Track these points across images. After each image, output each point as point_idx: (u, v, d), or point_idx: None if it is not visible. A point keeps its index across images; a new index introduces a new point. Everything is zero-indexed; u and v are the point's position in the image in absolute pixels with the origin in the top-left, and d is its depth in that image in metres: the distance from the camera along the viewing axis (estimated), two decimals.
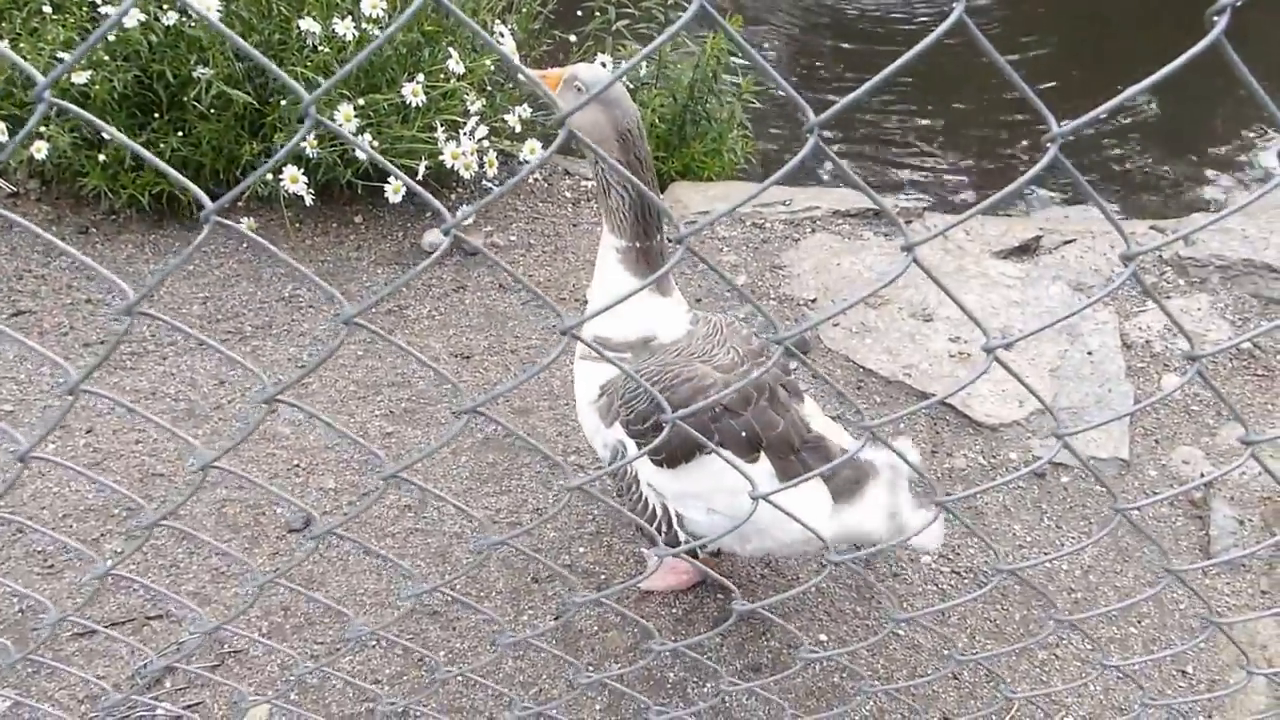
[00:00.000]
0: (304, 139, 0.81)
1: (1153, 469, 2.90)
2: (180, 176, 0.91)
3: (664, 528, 2.13)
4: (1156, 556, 2.63)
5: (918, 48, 0.70)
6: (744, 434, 1.98)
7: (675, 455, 2.01)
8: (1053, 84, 5.77)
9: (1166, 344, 3.31)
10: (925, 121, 5.69)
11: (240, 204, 3.64)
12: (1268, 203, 4.72)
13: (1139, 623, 2.52)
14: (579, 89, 2.02)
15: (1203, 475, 2.86)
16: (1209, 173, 5.27)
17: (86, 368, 1.00)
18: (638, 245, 2.09)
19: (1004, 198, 0.79)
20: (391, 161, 3.41)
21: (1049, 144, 0.70)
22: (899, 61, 0.70)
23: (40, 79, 0.73)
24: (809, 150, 0.76)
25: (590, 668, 2.33)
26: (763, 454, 2.02)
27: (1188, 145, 5.52)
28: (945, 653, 2.42)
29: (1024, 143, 5.46)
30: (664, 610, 2.47)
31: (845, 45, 6.22)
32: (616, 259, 2.10)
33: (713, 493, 2.05)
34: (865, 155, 5.42)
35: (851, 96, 0.71)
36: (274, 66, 0.75)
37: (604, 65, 3.88)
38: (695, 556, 2.29)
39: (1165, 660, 2.44)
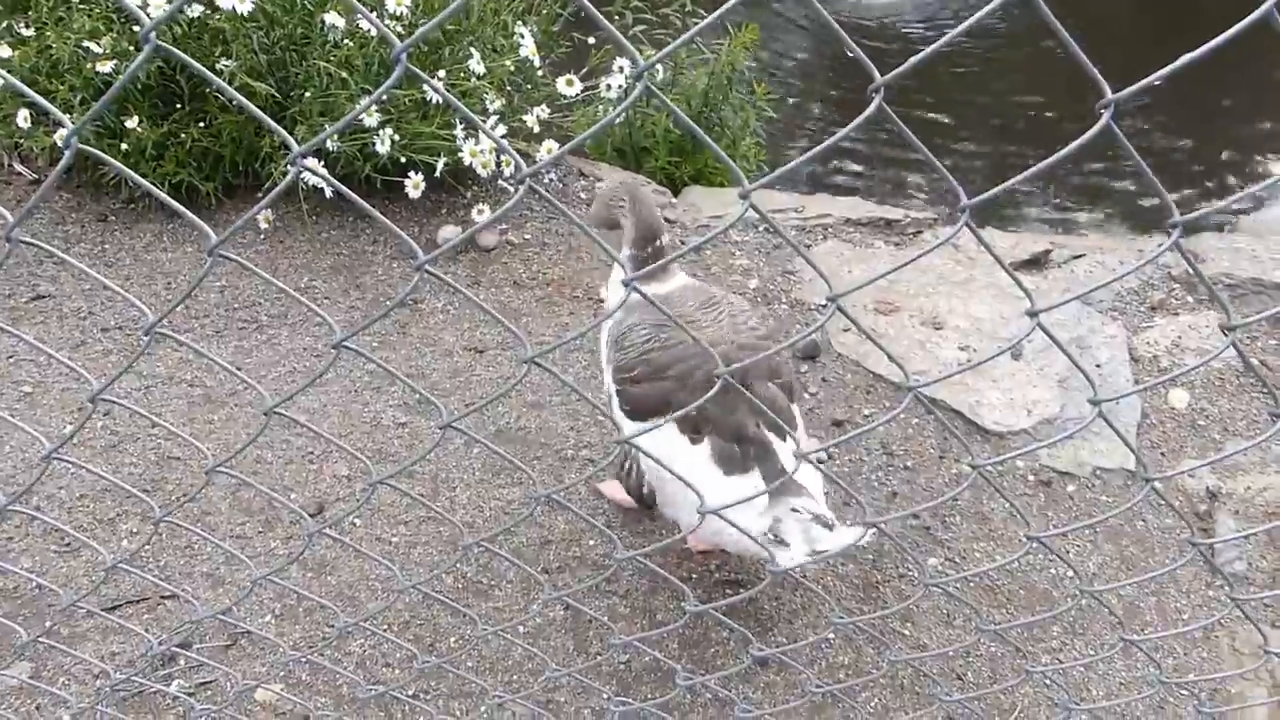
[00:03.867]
0: (384, 92, 0.84)
1: (1159, 481, 2.92)
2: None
3: (635, 478, 2.30)
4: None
5: (984, 10, 0.73)
6: (695, 414, 2.03)
7: (640, 411, 2.16)
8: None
9: (1174, 359, 3.34)
10: (941, 133, 5.73)
11: (259, 196, 3.67)
12: (1277, 223, 4.76)
13: (1143, 630, 2.54)
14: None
15: (1208, 488, 2.89)
16: (1211, 185, 5.31)
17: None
18: (646, 252, 2.34)
19: (1051, 164, 0.82)
20: (410, 156, 3.45)
21: (1102, 110, 0.73)
22: (975, 17, 0.73)
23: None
24: (873, 110, 0.79)
25: (598, 655, 2.35)
26: (706, 437, 2.11)
27: (1188, 163, 5.56)
28: (950, 654, 2.44)
29: (1041, 151, 5.50)
30: (672, 604, 2.50)
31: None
32: (633, 268, 2.28)
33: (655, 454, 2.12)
34: (882, 161, 5.46)
35: (918, 58, 0.74)
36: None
37: (621, 69, 3.92)
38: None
39: (1169, 669, 2.46)
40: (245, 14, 3.34)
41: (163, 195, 0.95)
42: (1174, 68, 0.71)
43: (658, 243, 2.35)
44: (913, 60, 0.73)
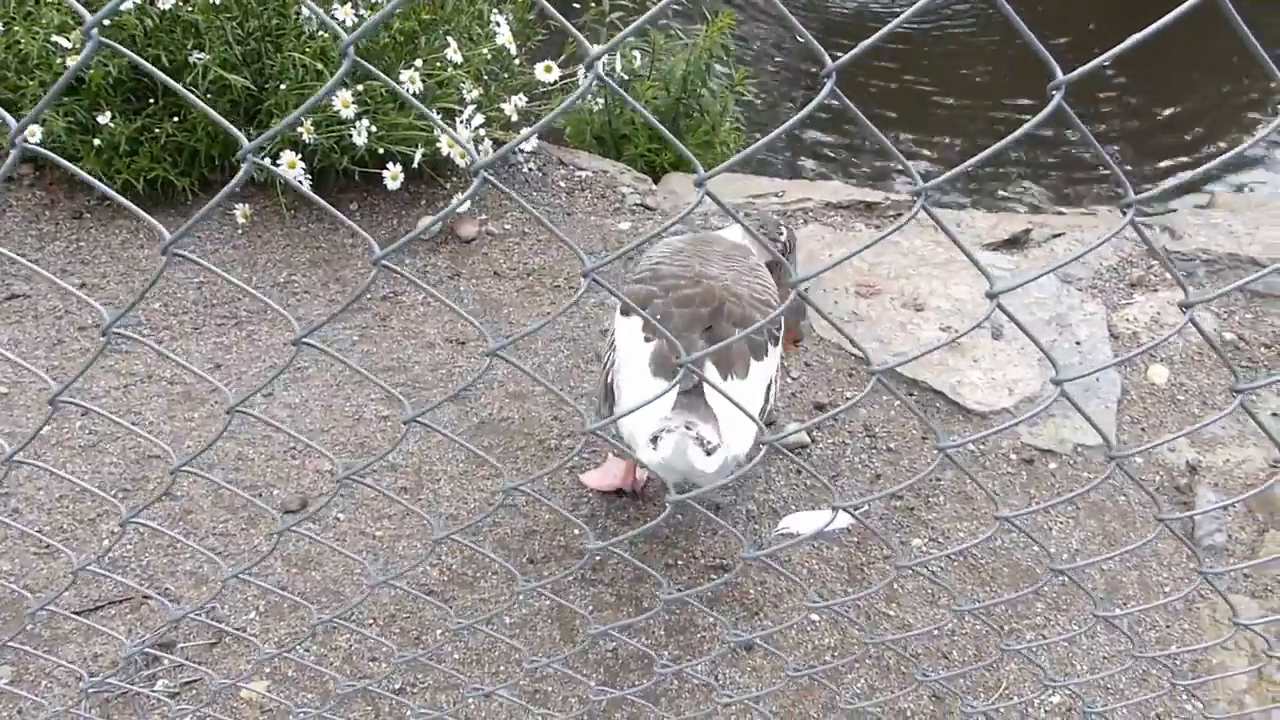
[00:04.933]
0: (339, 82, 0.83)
1: (1138, 457, 2.95)
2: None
3: (605, 397, 2.41)
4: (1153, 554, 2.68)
5: None
6: (657, 316, 2.27)
7: (626, 309, 2.34)
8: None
9: (1153, 335, 3.36)
10: (915, 117, 5.74)
11: (236, 190, 3.65)
12: (1253, 199, 4.79)
13: (1125, 604, 2.56)
14: None
15: (1187, 462, 2.91)
16: (1183, 158, 5.33)
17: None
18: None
19: (1006, 145, 0.81)
20: (387, 148, 3.43)
21: (1053, 92, 0.73)
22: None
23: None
24: (825, 94, 0.79)
25: (585, 646, 2.36)
26: (657, 340, 2.27)
27: (1154, 135, 5.58)
28: (935, 633, 2.46)
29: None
30: (659, 592, 2.50)
31: (837, 42, 6.26)
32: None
33: (620, 341, 2.38)
34: (855, 148, 5.47)
35: (867, 43, 0.74)
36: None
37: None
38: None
39: (1152, 641, 2.49)
40: (218, 5, 3.31)
41: (111, 191, 0.94)
42: (1123, 48, 0.71)
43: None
44: (863, 45, 0.73)
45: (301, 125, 3.34)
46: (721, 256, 2.44)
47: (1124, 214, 0.81)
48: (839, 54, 0.77)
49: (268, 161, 3.36)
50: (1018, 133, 0.77)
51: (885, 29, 0.75)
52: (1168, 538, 2.76)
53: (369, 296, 3.35)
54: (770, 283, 2.49)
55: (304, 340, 0.98)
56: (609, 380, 2.47)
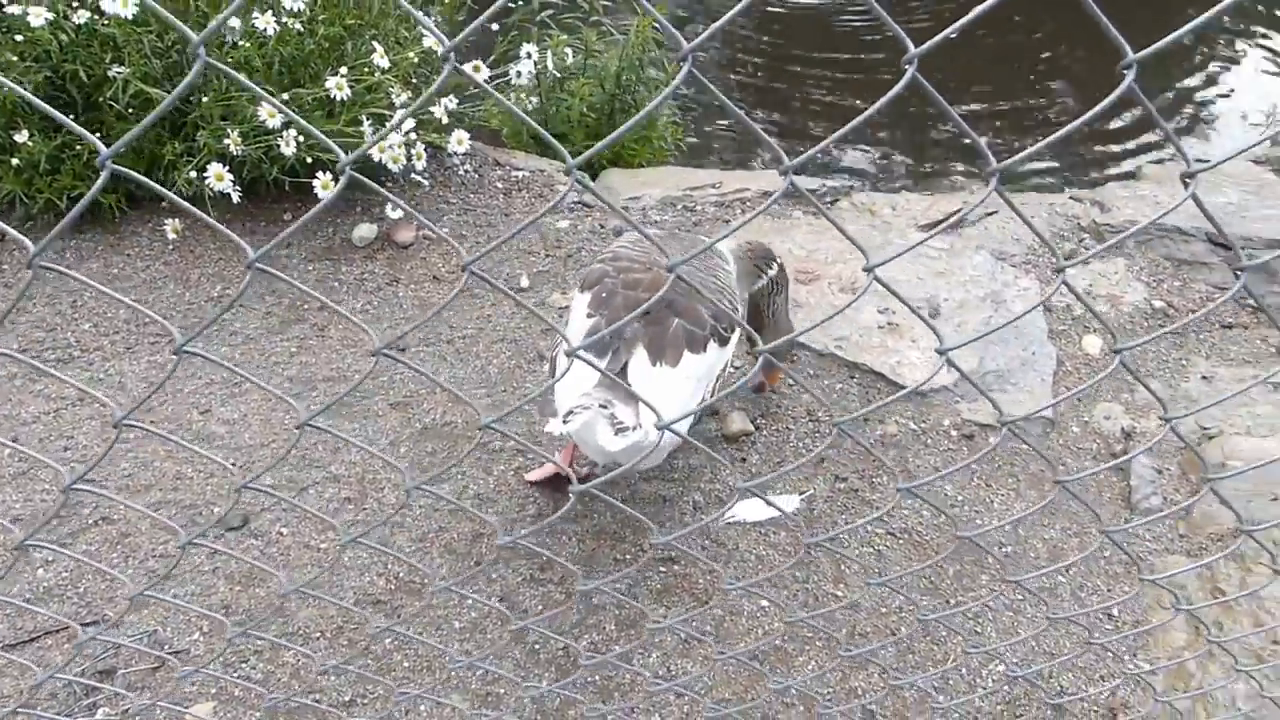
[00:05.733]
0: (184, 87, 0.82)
1: (1076, 426, 3.00)
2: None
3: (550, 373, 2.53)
4: (1080, 519, 2.73)
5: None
6: (604, 294, 2.38)
7: (585, 284, 2.48)
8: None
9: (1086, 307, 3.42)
10: (856, 106, 5.79)
11: (164, 205, 3.58)
12: (1176, 171, 4.89)
13: (1066, 571, 2.61)
14: None
15: (1123, 429, 2.97)
16: (1115, 147, 5.44)
17: None
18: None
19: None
20: (317, 156, 3.39)
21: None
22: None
23: None
24: (684, 75, 0.79)
25: (537, 646, 2.35)
26: (597, 316, 2.35)
27: (1095, 120, 5.69)
28: (883, 611, 2.49)
29: (949, 126, 5.59)
30: (609, 585, 2.50)
31: (780, 41, 6.30)
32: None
33: (570, 313, 2.51)
34: (799, 135, 5.50)
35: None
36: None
37: (529, 55, 3.89)
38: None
39: (1093, 606, 2.54)
40: (135, 19, 3.24)
41: None
42: (971, 18, 0.72)
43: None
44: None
45: (228, 136, 3.29)
46: (687, 251, 2.49)
47: (987, 183, 0.82)
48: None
49: (194, 174, 3.32)
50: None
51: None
52: (1108, 503, 2.82)
53: (305, 308, 3.31)
54: (730, 286, 2.54)
55: (184, 350, 0.96)
56: (554, 356, 2.58)
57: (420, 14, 3.21)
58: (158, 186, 0.92)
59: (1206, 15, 0.82)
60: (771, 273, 2.74)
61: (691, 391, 2.32)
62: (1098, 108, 0.82)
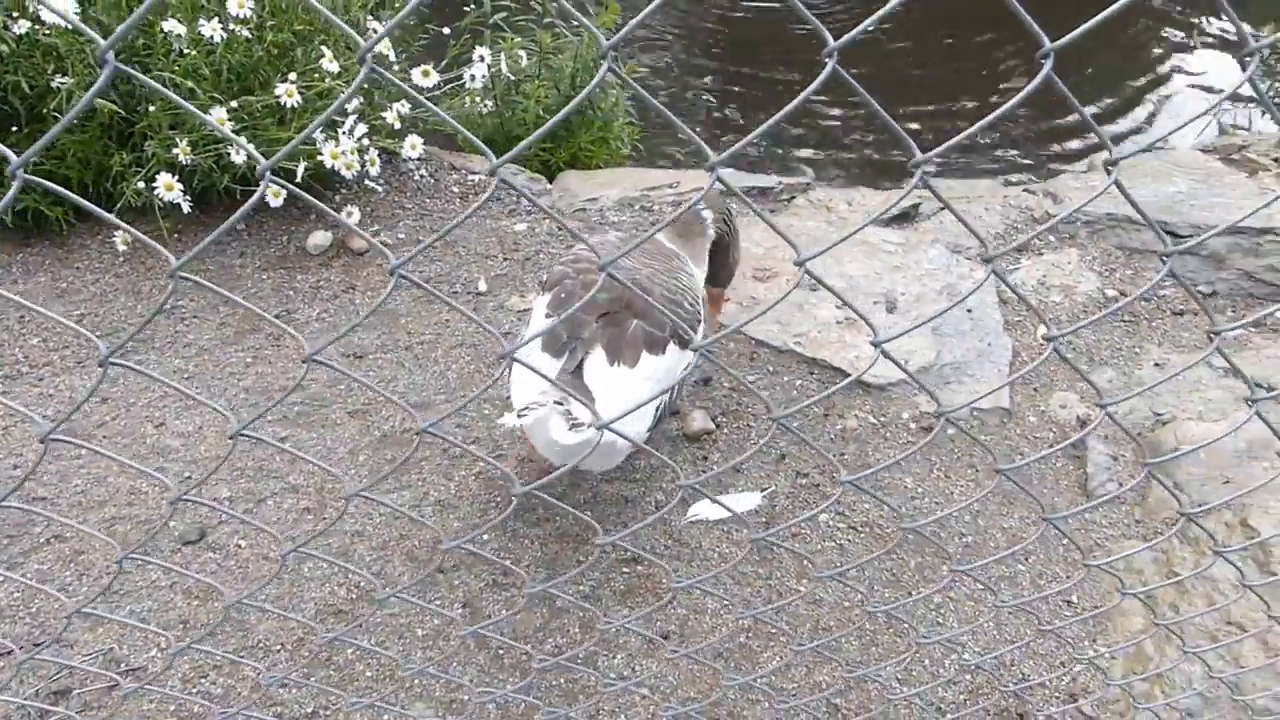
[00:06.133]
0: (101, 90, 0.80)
1: (1032, 415, 3.04)
2: None
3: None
4: (1036, 507, 2.76)
5: None
6: (563, 295, 2.42)
7: (547, 284, 2.51)
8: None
9: (1040, 298, 3.47)
10: (814, 102, 5.82)
11: (113, 216, 3.52)
12: (1125, 162, 4.97)
13: (1026, 559, 2.64)
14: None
15: (1078, 417, 3.01)
16: (1065, 144, 5.52)
17: None
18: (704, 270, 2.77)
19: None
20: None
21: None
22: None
23: None
24: (602, 74, 0.79)
25: (500, 651, 2.34)
26: (555, 317, 2.35)
27: (1043, 112, 5.77)
28: (846, 604, 2.50)
29: (913, 123, 5.64)
30: (570, 587, 2.49)
31: (740, 38, 6.32)
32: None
33: (531, 316, 2.57)
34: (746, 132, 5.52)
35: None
36: None
37: (482, 59, 3.87)
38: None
39: (1052, 592, 2.57)
40: (73, 28, 3.19)
41: None
42: (886, 10, 0.73)
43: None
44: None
45: (177, 145, 3.25)
46: (648, 255, 2.53)
47: (912, 174, 0.83)
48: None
49: (142, 185, 3.27)
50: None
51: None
52: (1065, 491, 2.85)
53: (261, 317, 3.26)
54: (691, 288, 2.55)
55: (111, 360, 0.94)
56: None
57: (340, 21, 3.12)
58: (74, 196, 0.90)
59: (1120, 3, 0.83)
60: (723, 228, 2.82)
61: (649, 393, 2.31)
62: (1016, 98, 0.83)
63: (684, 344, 2.41)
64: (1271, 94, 5.35)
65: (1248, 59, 0.93)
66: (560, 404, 2.07)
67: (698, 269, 2.72)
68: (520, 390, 2.28)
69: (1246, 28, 0.94)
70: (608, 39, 0.79)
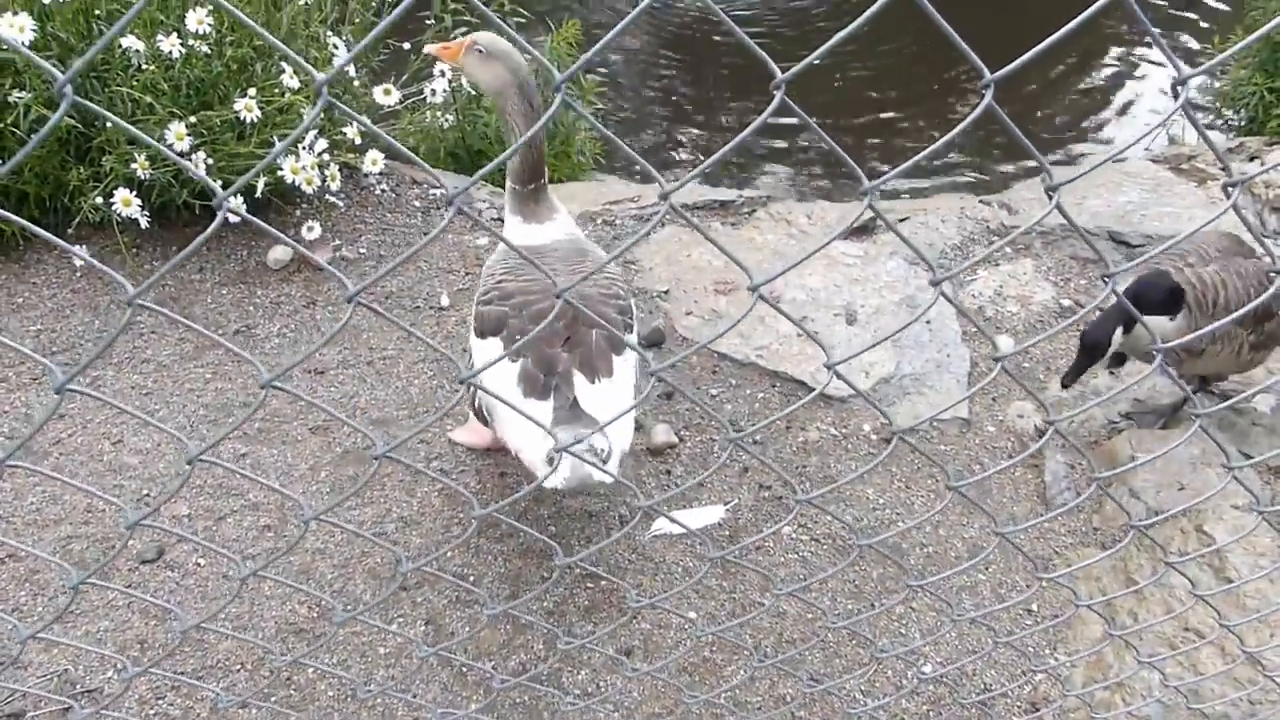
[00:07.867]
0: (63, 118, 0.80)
1: (991, 425, 3.08)
2: None
3: (475, 396, 2.50)
4: (1004, 519, 2.81)
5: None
6: (517, 336, 2.30)
7: (483, 330, 2.38)
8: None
9: (997, 308, 3.52)
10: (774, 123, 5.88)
11: (71, 232, 3.47)
12: (1073, 173, 5.07)
13: (986, 569, 2.67)
14: (480, 51, 2.41)
15: (1035, 427, 3.06)
16: (1019, 159, 5.63)
17: None
18: (529, 187, 2.50)
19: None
20: (227, 179, 3.32)
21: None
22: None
23: None
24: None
25: (463, 669, 2.33)
26: (522, 360, 2.27)
27: (998, 126, 5.87)
28: (809, 617, 2.52)
29: (872, 140, 5.71)
30: (536, 605, 2.49)
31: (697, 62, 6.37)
32: (513, 203, 2.55)
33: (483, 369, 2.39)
34: (708, 149, 5.57)
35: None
36: None
37: (443, 74, 3.87)
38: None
39: (1015, 603, 2.60)
40: (34, 43, 3.15)
41: None
42: (836, 41, 0.74)
43: (541, 180, 2.52)
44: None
45: (135, 160, 3.21)
46: (562, 261, 2.48)
47: (861, 200, 0.84)
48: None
49: (100, 200, 3.23)
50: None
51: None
52: (1024, 499, 2.90)
53: (221, 332, 3.24)
54: (615, 274, 2.59)
55: (67, 388, 0.94)
56: (476, 404, 2.55)
57: (291, 50, 3.10)
58: (23, 221, 0.90)
59: (1066, 28, 0.85)
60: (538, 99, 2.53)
61: (631, 392, 2.36)
62: (959, 127, 0.86)
63: (630, 329, 2.45)
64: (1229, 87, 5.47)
65: (1179, 89, 0.96)
66: (580, 442, 2.02)
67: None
68: (530, 444, 2.24)
69: (1183, 64, 0.97)
70: (562, 70, 0.80)
